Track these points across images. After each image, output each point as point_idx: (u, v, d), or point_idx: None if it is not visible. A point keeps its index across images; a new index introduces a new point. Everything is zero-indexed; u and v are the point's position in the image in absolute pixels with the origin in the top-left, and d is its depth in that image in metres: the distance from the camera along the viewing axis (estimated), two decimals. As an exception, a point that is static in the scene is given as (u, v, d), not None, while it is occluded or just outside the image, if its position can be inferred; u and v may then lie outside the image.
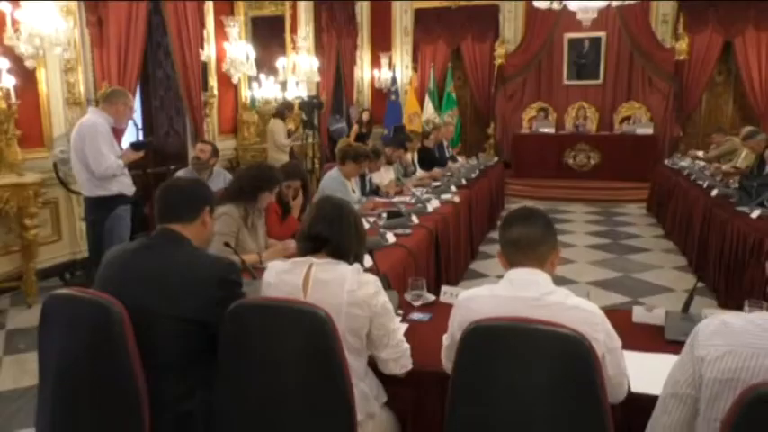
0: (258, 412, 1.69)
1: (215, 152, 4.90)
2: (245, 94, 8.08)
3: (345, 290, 1.75)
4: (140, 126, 6.10)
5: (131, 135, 5.49)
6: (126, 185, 4.23)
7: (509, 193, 9.16)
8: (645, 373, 1.76)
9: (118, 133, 4.80)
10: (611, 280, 5.14)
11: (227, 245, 2.60)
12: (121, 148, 4.27)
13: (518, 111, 10.75)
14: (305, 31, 8.70)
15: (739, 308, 2.10)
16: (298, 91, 8.47)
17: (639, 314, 2.23)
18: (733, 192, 4.97)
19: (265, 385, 1.68)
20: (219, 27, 7.39)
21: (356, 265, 1.85)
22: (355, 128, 9.72)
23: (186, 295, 1.73)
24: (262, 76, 8.10)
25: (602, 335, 1.53)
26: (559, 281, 5.18)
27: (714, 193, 5.18)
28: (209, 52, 7.18)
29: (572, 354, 1.46)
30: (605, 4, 7.36)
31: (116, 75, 5.40)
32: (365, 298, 1.76)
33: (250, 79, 8.04)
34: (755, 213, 4.10)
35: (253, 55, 7.70)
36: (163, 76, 6.70)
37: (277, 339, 1.65)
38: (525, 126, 10.58)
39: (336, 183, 4.48)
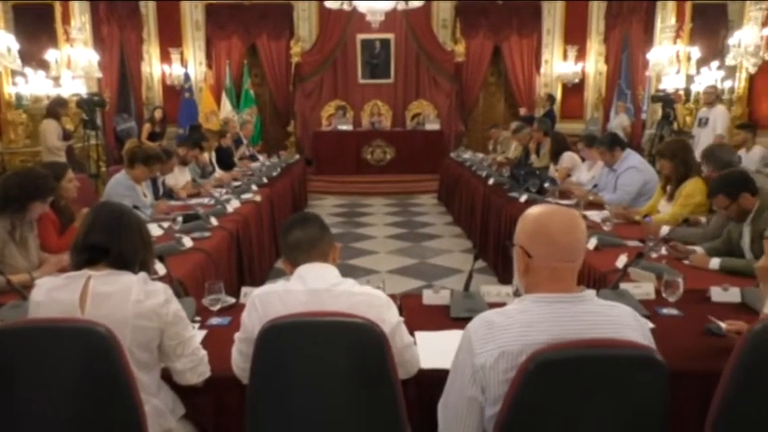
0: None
1: (-30, 158, 4.23)
2: (9, 90, 7.08)
3: (131, 301, 1.63)
4: None
5: None
6: None
7: (311, 190, 9.31)
8: (434, 350, 1.90)
9: None
10: (408, 267, 5.49)
11: (-14, 264, 2.27)
12: None
13: (317, 108, 10.93)
14: (80, 22, 7.88)
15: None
16: (75, 87, 7.65)
17: (428, 297, 2.41)
18: (506, 180, 5.56)
19: (37, 420, 1.49)
20: (-30, 13, 6.39)
21: (142, 274, 1.73)
22: (147, 126, 9.05)
23: None
24: (29, 70, 7.16)
25: (387, 314, 1.66)
26: (361, 272, 5.34)
27: (491, 181, 5.75)
28: (-43, 42, 6.17)
29: (365, 341, 1.54)
30: (391, 5, 7.79)
31: None
32: (154, 308, 1.65)
33: (14, 74, 7.07)
34: (523, 198, 4.64)
35: (16, 47, 6.76)
36: None
37: (49, 365, 1.47)
38: (325, 123, 10.79)
39: (124, 187, 4.12)
